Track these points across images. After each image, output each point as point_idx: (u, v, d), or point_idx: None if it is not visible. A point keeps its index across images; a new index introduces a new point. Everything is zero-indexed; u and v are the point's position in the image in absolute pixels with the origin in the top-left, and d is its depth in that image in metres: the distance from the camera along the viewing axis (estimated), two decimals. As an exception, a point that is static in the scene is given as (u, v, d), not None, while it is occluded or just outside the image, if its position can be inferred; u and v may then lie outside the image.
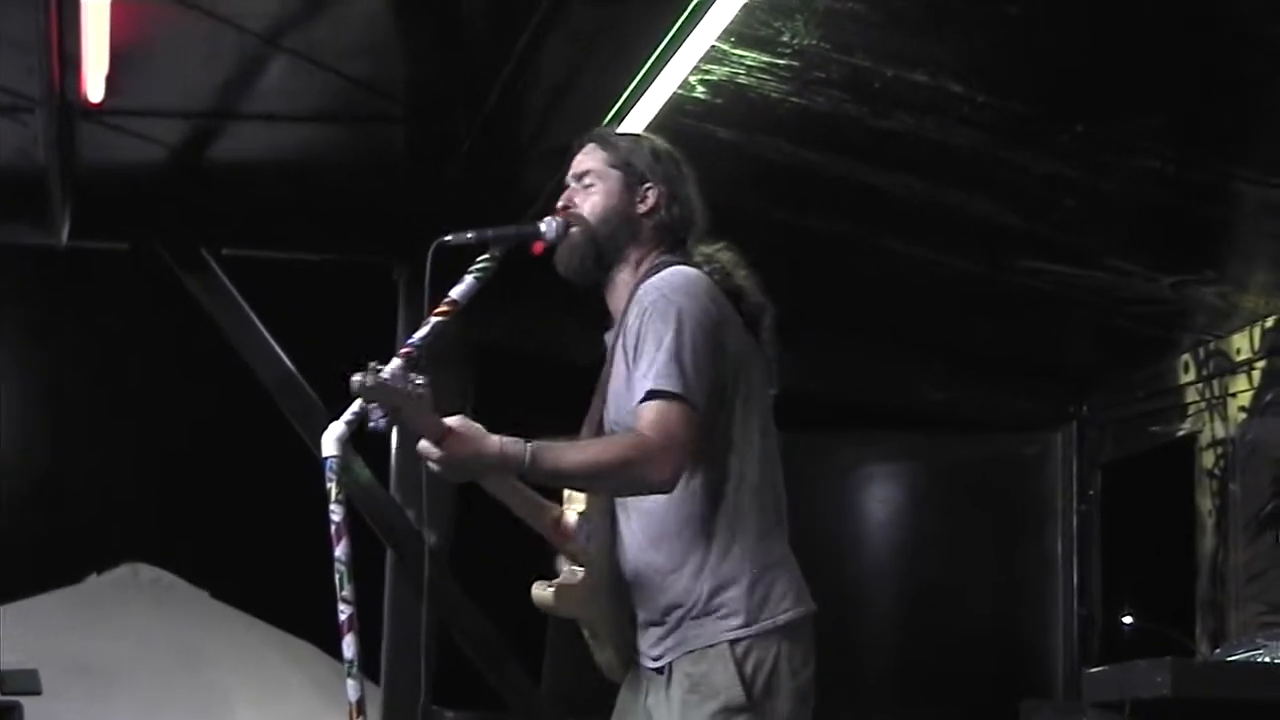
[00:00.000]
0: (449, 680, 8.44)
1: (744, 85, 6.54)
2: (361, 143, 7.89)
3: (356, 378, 3.62)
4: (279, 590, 11.64)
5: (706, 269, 4.02)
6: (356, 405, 4.00)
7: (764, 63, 6.35)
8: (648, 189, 4.06)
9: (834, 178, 7.23)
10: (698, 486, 3.87)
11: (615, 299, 4.06)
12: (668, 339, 3.79)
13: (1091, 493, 9.15)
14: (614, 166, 4.05)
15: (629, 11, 6.20)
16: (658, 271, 3.98)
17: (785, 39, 6.14)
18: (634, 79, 6.30)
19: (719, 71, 6.47)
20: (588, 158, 4.08)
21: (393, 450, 8.43)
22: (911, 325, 8.89)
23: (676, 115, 6.65)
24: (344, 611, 3.98)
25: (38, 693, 6.73)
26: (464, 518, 8.40)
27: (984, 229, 7.47)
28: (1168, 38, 5.78)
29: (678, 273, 3.93)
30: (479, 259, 3.99)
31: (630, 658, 4.01)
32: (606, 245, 4.01)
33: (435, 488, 8.32)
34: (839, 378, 9.35)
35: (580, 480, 3.82)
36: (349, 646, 4.00)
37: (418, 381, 3.65)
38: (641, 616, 3.94)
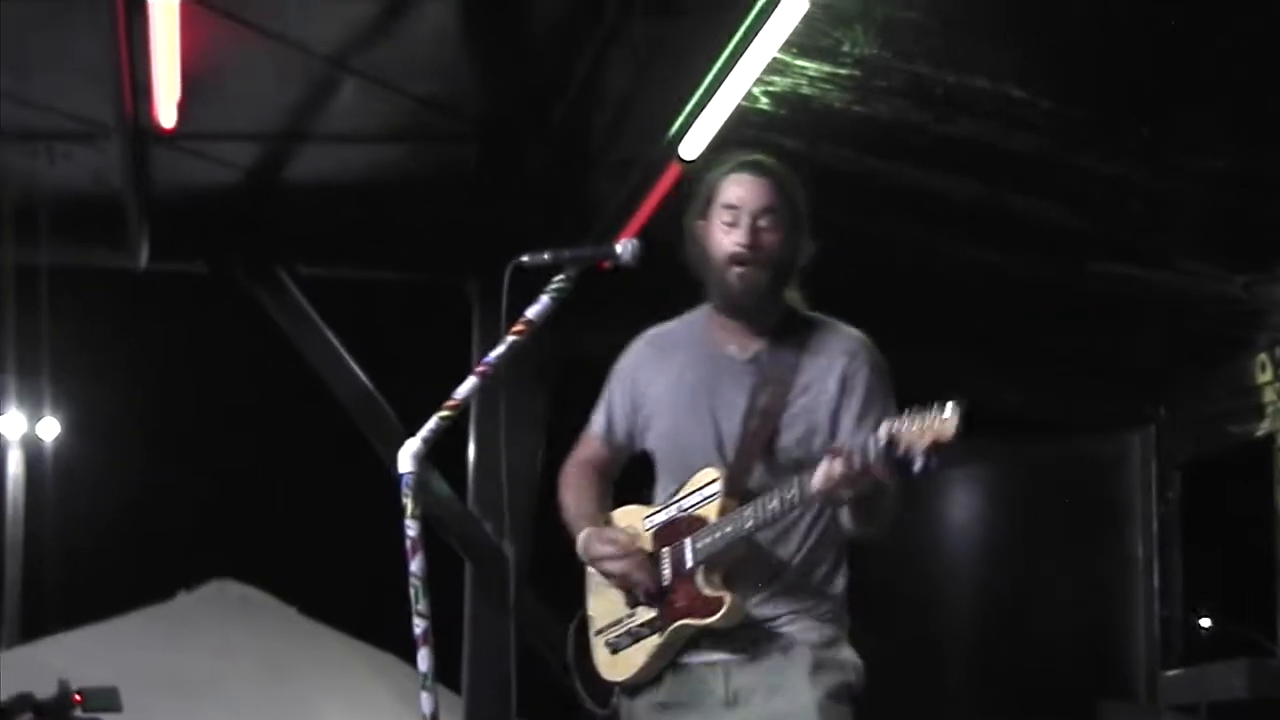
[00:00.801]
0: (528, 690, 8.49)
1: (807, 95, 6.59)
2: (432, 162, 7.97)
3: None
4: (363, 604, 11.75)
5: None
6: (434, 421, 4.05)
7: (826, 72, 6.40)
8: (803, 236, 4.05)
9: (900, 184, 7.26)
10: None
11: (747, 331, 4.02)
12: (891, 406, 3.92)
13: (1170, 494, 9.11)
14: (791, 210, 4.02)
15: (689, 26, 6.27)
16: (821, 323, 4.03)
17: (846, 49, 6.19)
18: (696, 92, 6.33)
19: (782, 82, 6.52)
20: (771, 195, 4.00)
21: (470, 465, 8.51)
22: (986, 329, 8.88)
23: (741, 126, 6.68)
24: (419, 625, 4.02)
25: (118, 710, 6.77)
26: (541, 530, 8.47)
27: (1052, 232, 7.49)
28: (1228, 40, 5.77)
29: (869, 340, 4.05)
30: (554, 279, 4.00)
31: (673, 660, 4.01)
32: (779, 288, 4.00)
33: (513, 501, 8.40)
34: (915, 383, 9.31)
35: (881, 506, 3.89)
36: (424, 659, 4.04)
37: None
38: (751, 626, 3.96)
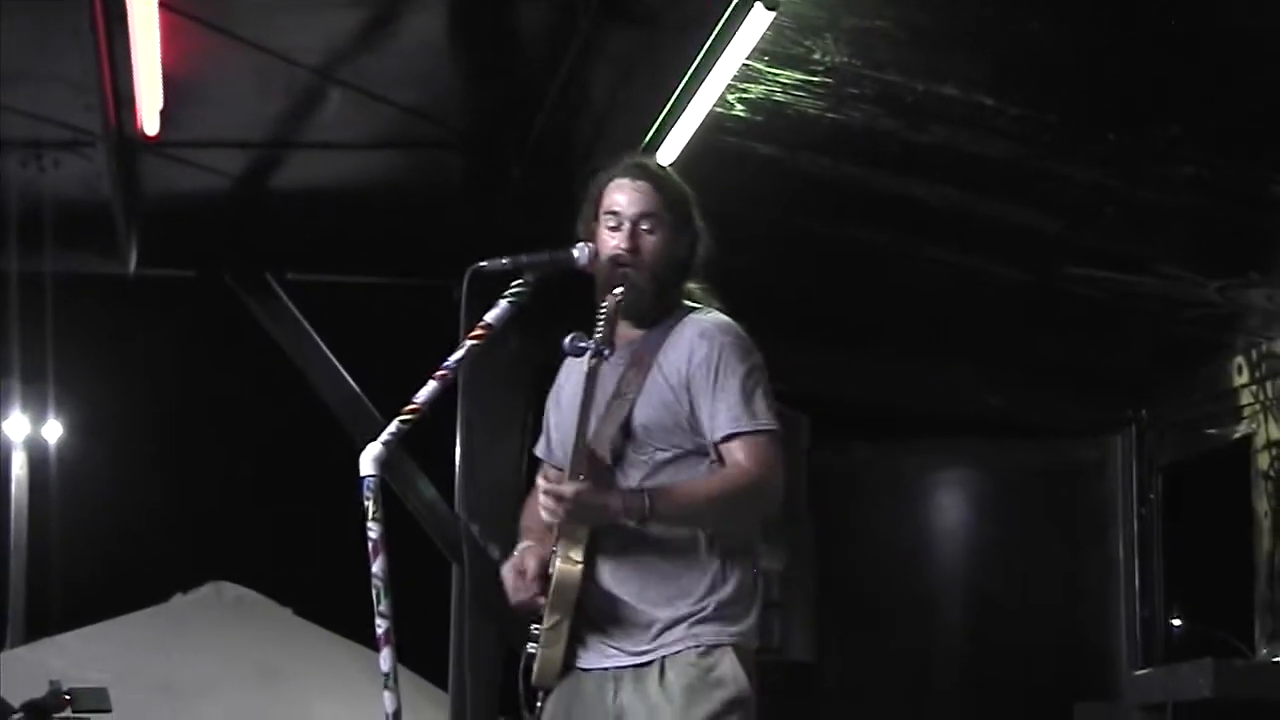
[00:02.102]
0: (512, 690, 8.57)
1: (781, 103, 6.67)
2: (418, 169, 8.04)
3: (610, 301, 3.91)
4: (357, 605, 11.81)
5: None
6: (394, 425, 4.14)
7: (798, 80, 6.48)
8: (691, 233, 4.15)
9: (875, 191, 7.34)
10: None
11: (635, 323, 4.11)
12: (753, 378, 3.99)
13: (1152, 496, 9.20)
14: (669, 210, 4.11)
15: (663, 34, 6.34)
16: (691, 311, 4.12)
17: (817, 57, 6.27)
18: (669, 99, 6.42)
19: (756, 90, 6.59)
20: (648, 199, 4.10)
21: (457, 467, 8.58)
22: (968, 334, 8.97)
23: (717, 133, 6.80)
24: (381, 625, 4.11)
25: (108, 710, 6.85)
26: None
27: (1029, 238, 7.58)
28: (1191, 46, 5.86)
29: (733, 323, 4.09)
30: (513, 284, 4.08)
31: (570, 660, 4.05)
32: (665, 289, 4.10)
33: (498, 503, 8.48)
34: (899, 388, 9.46)
35: (707, 516, 3.94)
36: (385, 660, 4.12)
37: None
38: (630, 614, 3.98)
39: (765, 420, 3.96)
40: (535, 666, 4.09)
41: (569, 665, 4.06)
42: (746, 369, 4.00)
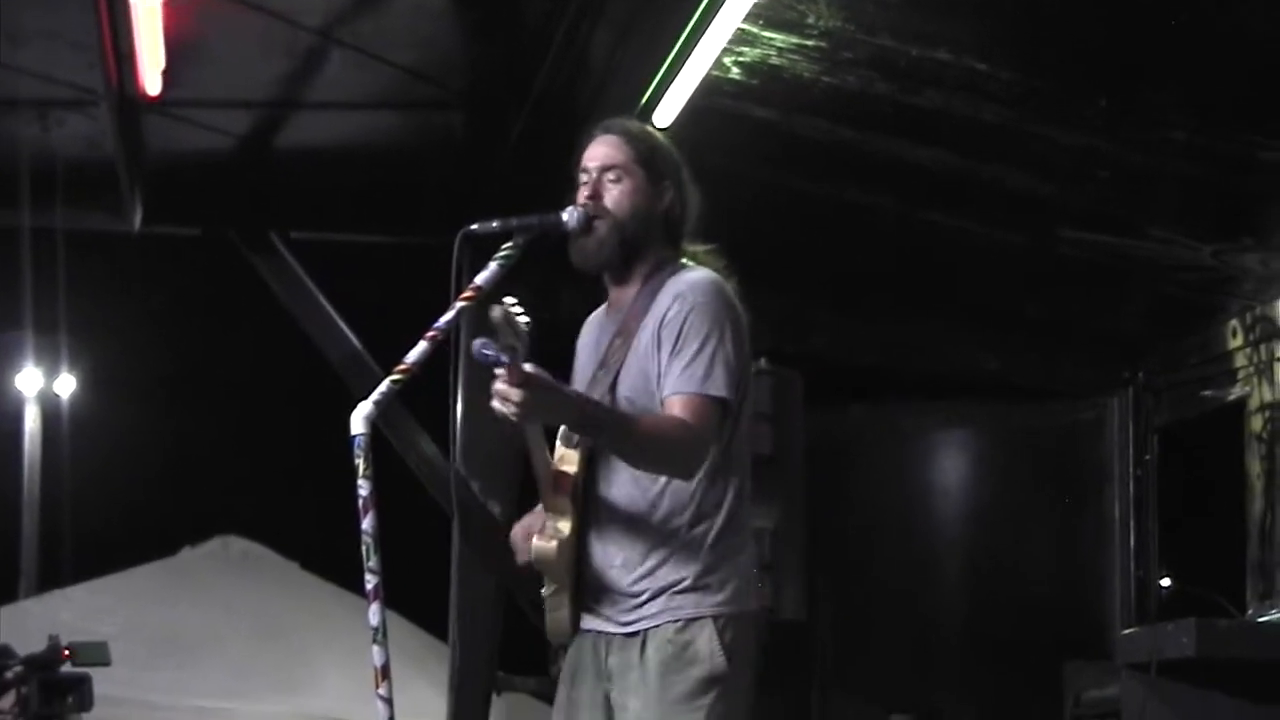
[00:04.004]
0: (515, 647, 8.66)
1: (777, 66, 6.72)
2: (420, 129, 8.09)
3: (497, 311, 3.70)
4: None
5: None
6: (385, 385, 4.21)
7: (793, 44, 6.53)
8: (666, 188, 4.15)
9: (870, 154, 7.39)
10: (704, 478, 4.03)
11: (624, 289, 4.16)
12: (713, 343, 3.95)
13: (1147, 457, 9.24)
14: (639, 163, 4.12)
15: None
16: (680, 270, 4.11)
17: (810, 21, 6.32)
18: (665, 61, 6.47)
19: (751, 53, 6.65)
20: (615, 151, 4.13)
21: (456, 423, 8.64)
22: (964, 296, 9.02)
23: (714, 95, 6.85)
24: (370, 581, 4.18)
25: (107, 664, 6.91)
26: (526, 488, 8.59)
27: (1024, 201, 7.63)
28: (1182, 11, 5.90)
29: (717, 280, 4.07)
30: (503, 246, 4.13)
31: (578, 620, 4.10)
32: (632, 241, 4.10)
33: (498, 459, 8.55)
34: (894, 349, 9.51)
35: (632, 449, 3.93)
36: (374, 614, 4.20)
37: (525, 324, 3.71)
38: (615, 583, 4.02)
39: (715, 388, 3.94)
40: (547, 627, 4.17)
41: (577, 626, 4.13)
42: (709, 333, 3.96)
